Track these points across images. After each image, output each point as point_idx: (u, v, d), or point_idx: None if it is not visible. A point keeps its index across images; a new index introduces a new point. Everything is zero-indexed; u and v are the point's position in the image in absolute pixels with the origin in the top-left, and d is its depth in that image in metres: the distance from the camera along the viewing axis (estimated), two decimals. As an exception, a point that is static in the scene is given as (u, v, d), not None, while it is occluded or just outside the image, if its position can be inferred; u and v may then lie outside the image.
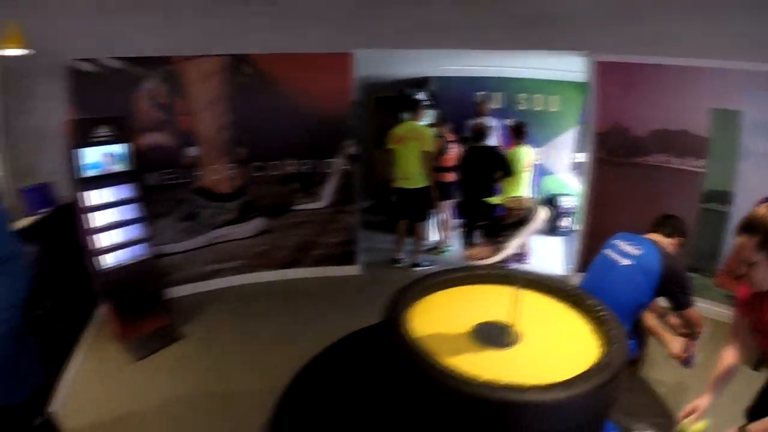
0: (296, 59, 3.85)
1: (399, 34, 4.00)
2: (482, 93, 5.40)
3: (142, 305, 3.22)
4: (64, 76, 3.47)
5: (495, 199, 4.35)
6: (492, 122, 4.98)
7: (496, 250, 1.67)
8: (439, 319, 1.52)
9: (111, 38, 3.59)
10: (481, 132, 4.30)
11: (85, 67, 3.48)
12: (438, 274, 1.73)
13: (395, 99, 5.26)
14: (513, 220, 3.82)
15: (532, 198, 4.73)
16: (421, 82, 5.40)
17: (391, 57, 5.05)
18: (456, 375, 1.14)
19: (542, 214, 1.76)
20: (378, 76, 5.42)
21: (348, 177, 4.14)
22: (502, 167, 4.18)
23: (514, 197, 4.39)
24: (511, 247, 1.67)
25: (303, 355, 1.96)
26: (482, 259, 1.72)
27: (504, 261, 1.71)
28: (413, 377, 1.24)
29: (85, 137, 3.02)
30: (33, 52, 3.11)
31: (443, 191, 4.55)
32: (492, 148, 4.36)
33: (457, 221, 4.83)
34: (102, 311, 3.42)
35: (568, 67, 4.91)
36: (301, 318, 3.52)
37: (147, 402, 2.63)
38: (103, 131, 3.12)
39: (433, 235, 5.03)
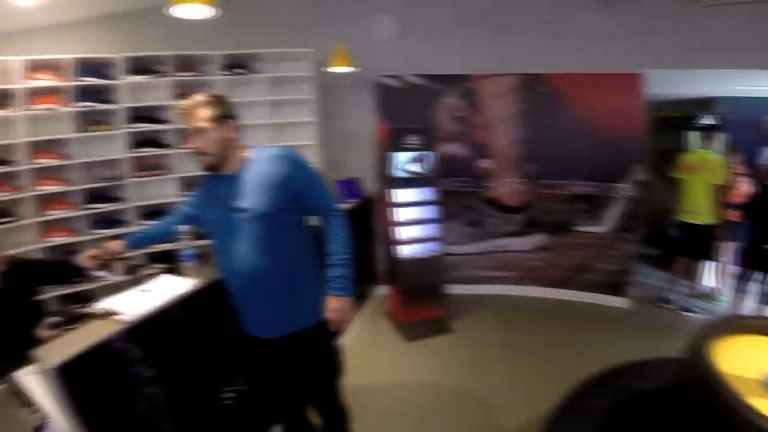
0: (587, 79, 3.77)
1: (688, 53, 3.72)
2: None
3: (424, 295, 3.50)
4: (373, 89, 3.96)
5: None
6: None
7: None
8: (745, 361, 1.42)
9: (414, 58, 4.04)
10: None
11: (391, 82, 3.91)
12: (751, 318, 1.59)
13: (679, 120, 4.79)
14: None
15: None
16: (706, 103, 4.83)
17: (674, 75, 4.63)
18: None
19: None
20: (659, 94, 5.03)
21: (633, 204, 3.87)
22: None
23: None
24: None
25: (564, 376, 1.96)
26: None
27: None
28: (722, 414, 1.21)
29: (397, 143, 3.36)
30: (358, 70, 3.67)
31: (727, 231, 3.95)
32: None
33: (736, 268, 4.14)
34: (381, 291, 3.84)
35: None
36: (565, 339, 3.42)
37: (408, 378, 2.88)
38: (412, 139, 3.43)
39: (709, 280, 4.41)
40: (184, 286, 1.70)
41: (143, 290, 1.68)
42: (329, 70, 3.53)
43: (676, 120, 4.83)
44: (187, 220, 1.86)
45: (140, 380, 1.44)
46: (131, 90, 3.66)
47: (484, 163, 3.92)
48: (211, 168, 1.54)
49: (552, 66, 3.83)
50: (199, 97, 1.52)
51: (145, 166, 3.67)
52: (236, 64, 3.71)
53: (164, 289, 1.68)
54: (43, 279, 2.26)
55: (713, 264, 4.33)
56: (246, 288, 1.54)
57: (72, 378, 1.22)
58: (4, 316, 2.03)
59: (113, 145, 3.61)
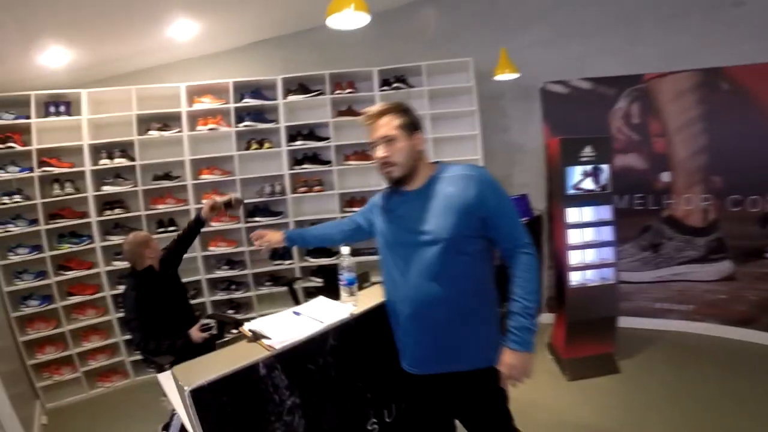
0: None
1: None
2: None
3: (593, 328, 3.10)
4: (538, 97, 3.71)
5: None
6: None
7: None
8: None
9: (580, 61, 3.69)
10: None
11: (557, 89, 3.64)
12: None
13: None
14: None
15: None
16: None
17: None
18: None
19: None
20: None
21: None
22: None
23: None
24: None
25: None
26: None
27: None
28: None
29: (569, 155, 3.05)
30: (520, 75, 3.44)
31: None
32: None
33: None
34: (546, 320, 3.55)
35: None
36: (741, 391, 2.83)
37: (564, 421, 2.60)
38: (587, 151, 3.10)
39: None
40: (339, 313, 1.53)
41: (295, 312, 1.56)
42: (495, 78, 3.36)
43: None
44: (357, 232, 1.77)
45: (281, 408, 1.31)
46: (290, 109, 3.75)
47: (664, 177, 3.50)
48: (397, 181, 1.42)
49: (734, 58, 3.30)
50: (385, 105, 1.44)
51: (306, 182, 3.71)
52: (394, 79, 3.69)
53: (317, 314, 1.53)
54: (183, 245, 2.69)
55: None
56: (411, 315, 1.41)
57: (206, 401, 1.15)
58: (162, 298, 2.45)
59: (274, 162, 3.71)
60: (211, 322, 2.46)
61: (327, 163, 3.71)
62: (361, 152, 3.67)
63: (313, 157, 3.71)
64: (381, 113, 1.41)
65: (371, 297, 1.64)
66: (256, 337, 1.38)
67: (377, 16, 4.07)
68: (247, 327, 1.44)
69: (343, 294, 1.62)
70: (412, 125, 1.42)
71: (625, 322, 3.57)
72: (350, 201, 3.74)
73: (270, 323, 1.47)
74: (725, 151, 3.37)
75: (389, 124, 1.39)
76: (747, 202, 3.38)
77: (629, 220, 3.50)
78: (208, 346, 2.39)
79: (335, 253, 3.66)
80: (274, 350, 1.31)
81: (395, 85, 3.64)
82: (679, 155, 3.49)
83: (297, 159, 3.72)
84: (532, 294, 1.35)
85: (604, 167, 3.10)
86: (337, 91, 3.67)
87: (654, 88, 3.50)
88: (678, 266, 3.54)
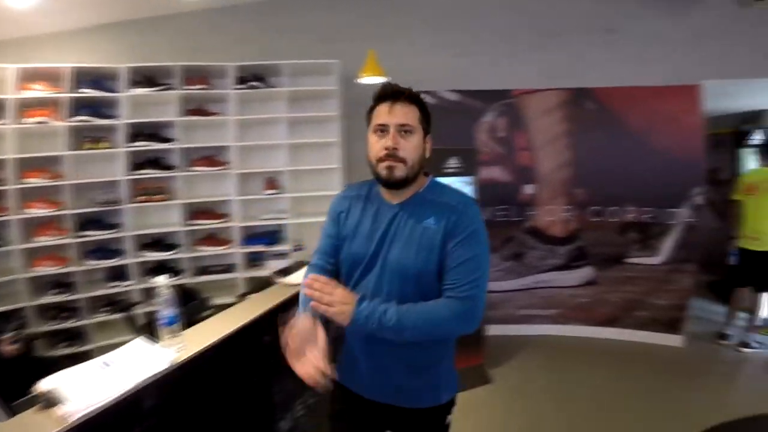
0: (641, 92, 3.43)
1: (746, 61, 3.52)
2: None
3: (460, 340, 3.04)
4: None
5: None
6: None
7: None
8: None
9: (450, 72, 3.71)
10: None
11: (426, 99, 3.54)
12: None
13: (725, 137, 4.44)
14: None
15: None
16: (757, 117, 4.48)
17: (725, 87, 4.30)
18: None
19: None
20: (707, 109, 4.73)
21: (691, 231, 3.48)
22: None
23: None
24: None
25: None
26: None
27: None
28: None
29: (437, 167, 2.96)
30: (390, 79, 3.28)
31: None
32: None
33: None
34: None
35: None
36: (619, 387, 3.02)
37: None
38: (453, 162, 3.08)
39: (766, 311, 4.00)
40: (155, 363, 1.24)
41: (105, 363, 1.25)
42: (359, 81, 3.13)
43: (722, 136, 4.47)
44: (334, 254, 1.30)
45: None
46: (133, 104, 3.27)
47: (529, 189, 3.53)
48: (393, 183, 1.16)
49: (603, 80, 3.50)
50: (411, 89, 1.19)
51: (146, 190, 3.26)
52: (251, 77, 3.33)
53: (131, 364, 1.24)
54: None
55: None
56: (365, 342, 1.20)
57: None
58: None
59: (111, 166, 3.21)
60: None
61: (171, 168, 3.27)
62: (210, 157, 3.29)
63: (156, 161, 3.25)
64: (407, 97, 1.16)
65: (210, 331, 1.33)
66: (49, 403, 1.05)
67: (245, 7, 3.78)
68: (42, 385, 1.10)
69: (164, 336, 1.29)
70: (429, 127, 1.22)
71: (493, 330, 3.57)
72: (196, 212, 3.33)
73: (73, 379, 1.15)
74: (589, 165, 3.48)
75: (412, 113, 1.16)
76: (607, 212, 3.52)
77: (492, 231, 3.44)
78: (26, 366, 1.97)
79: (180, 271, 3.25)
80: (68, 424, 1.00)
81: (252, 83, 3.28)
82: (544, 168, 3.54)
83: (137, 162, 3.25)
84: (409, 325, 1.07)
85: (469, 179, 3.06)
86: (188, 87, 3.25)
87: (522, 103, 3.53)
88: (541, 274, 3.58)
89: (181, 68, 3.23)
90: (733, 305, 3.71)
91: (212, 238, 3.34)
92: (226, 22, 3.62)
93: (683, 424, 2.50)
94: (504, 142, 3.55)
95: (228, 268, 3.32)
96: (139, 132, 3.23)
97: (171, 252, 3.23)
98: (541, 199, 3.54)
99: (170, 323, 1.30)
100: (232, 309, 1.75)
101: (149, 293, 3.29)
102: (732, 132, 4.39)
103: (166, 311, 1.29)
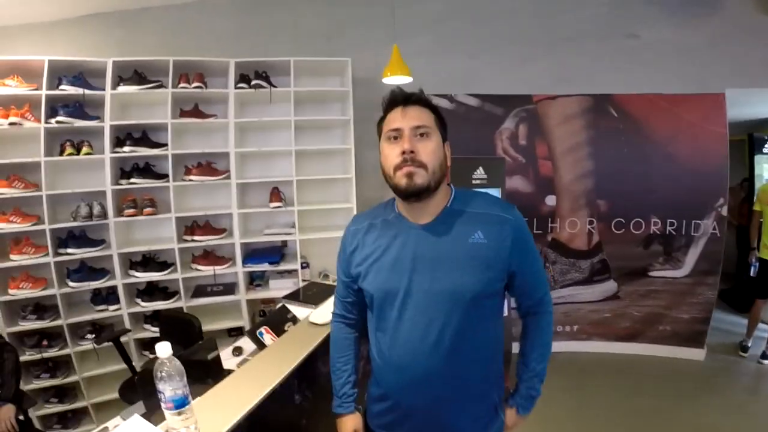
0: (665, 100, 3.30)
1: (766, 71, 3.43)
2: None
3: None
4: None
5: None
6: None
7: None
8: None
9: (468, 76, 3.54)
10: None
11: (442, 103, 3.32)
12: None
13: (739, 144, 4.34)
14: None
15: None
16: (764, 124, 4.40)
17: (744, 95, 4.21)
18: None
19: None
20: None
21: (715, 243, 3.36)
22: None
23: None
24: None
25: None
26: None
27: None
28: None
29: (463, 178, 2.84)
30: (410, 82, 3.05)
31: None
32: None
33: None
34: None
35: None
36: (641, 404, 2.95)
37: None
38: (479, 173, 2.96)
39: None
40: None
41: None
42: (383, 80, 2.82)
43: (734, 143, 4.37)
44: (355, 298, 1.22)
45: None
46: (119, 104, 2.93)
47: (550, 200, 3.37)
48: (414, 193, 1.02)
49: (624, 86, 3.38)
50: (421, 92, 1.09)
51: (135, 202, 2.91)
52: (254, 75, 3.02)
53: None
54: None
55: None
56: (407, 386, 1.09)
57: None
58: None
59: (94, 174, 2.85)
60: None
61: (162, 177, 2.94)
62: (207, 165, 2.96)
63: (146, 169, 2.91)
64: (418, 99, 1.06)
65: (228, 403, 1.09)
66: None
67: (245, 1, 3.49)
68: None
69: (170, 417, 1.00)
70: (446, 133, 1.11)
71: (513, 348, 3.41)
72: (192, 228, 3.00)
73: None
74: (611, 176, 3.36)
75: (426, 115, 1.06)
76: (630, 224, 3.39)
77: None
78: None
79: (174, 293, 2.96)
80: None
81: (255, 82, 2.96)
82: (565, 178, 3.38)
83: (124, 171, 2.90)
84: (546, 359, 1.20)
85: (495, 190, 2.89)
86: (182, 85, 2.92)
87: (542, 109, 3.35)
88: (562, 289, 3.44)
89: (173, 63, 2.88)
90: (753, 317, 3.65)
91: (209, 256, 3.02)
92: (225, 14, 3.31)
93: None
94: (525, 151, 3.37)
95: (228, 289, 3.01)
96: (126, 136, 2.88)
97: (163, 272, 2.89)
98: (563, 211, 3.37)
99: (179, 407, 0.99)
100: (254, 361, 1.48)
101: (138, 318, 2.98)
102: (741, 139, 4.30)
103: (170, 392, 0.98)
